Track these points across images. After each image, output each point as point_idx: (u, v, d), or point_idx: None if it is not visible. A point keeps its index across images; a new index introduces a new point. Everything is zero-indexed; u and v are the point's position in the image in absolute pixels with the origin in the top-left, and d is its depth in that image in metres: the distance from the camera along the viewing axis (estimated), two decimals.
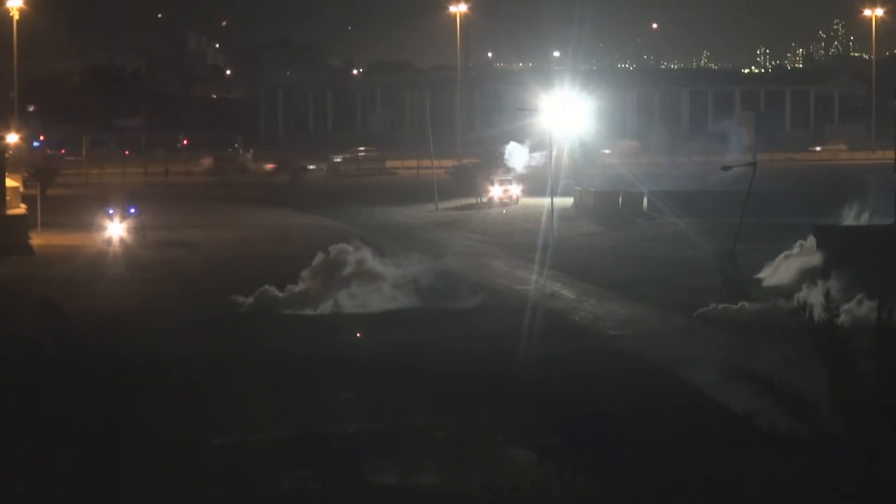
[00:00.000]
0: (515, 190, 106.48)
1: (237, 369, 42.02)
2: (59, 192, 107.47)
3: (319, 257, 58.18)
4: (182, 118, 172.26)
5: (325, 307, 55.05)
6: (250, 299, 55.65)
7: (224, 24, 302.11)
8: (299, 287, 56.58)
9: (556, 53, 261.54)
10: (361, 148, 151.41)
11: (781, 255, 63.77)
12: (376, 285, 56.82)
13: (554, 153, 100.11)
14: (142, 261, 71.36)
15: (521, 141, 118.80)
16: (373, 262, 58.40)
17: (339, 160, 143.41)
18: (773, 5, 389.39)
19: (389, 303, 55.56)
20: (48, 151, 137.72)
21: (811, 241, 62.85)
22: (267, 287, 56.23)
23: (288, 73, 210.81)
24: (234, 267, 68.77)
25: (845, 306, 43.93)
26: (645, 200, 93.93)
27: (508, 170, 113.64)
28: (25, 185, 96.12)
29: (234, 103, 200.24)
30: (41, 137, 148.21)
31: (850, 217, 72.94)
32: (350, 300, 55.72)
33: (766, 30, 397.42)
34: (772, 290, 57.49)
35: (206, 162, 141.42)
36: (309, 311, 54.59)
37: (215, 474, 30.26)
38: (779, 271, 62.55)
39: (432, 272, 59.41)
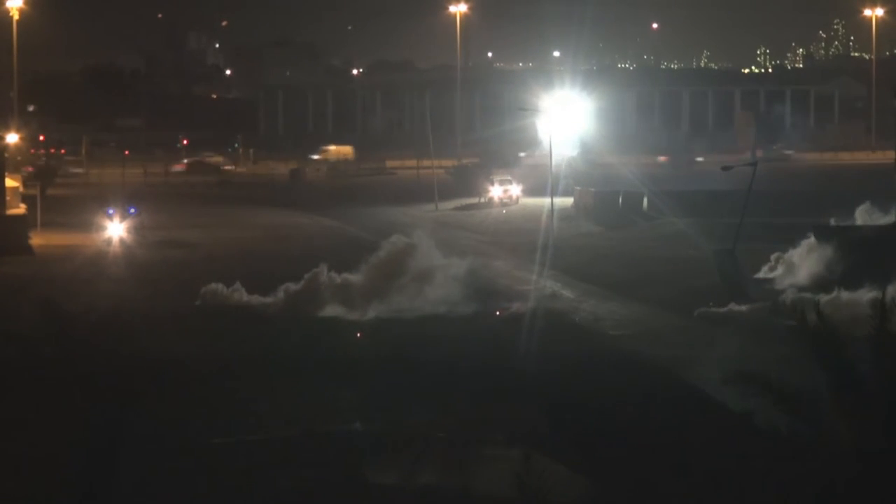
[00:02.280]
0: (515, 190, 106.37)
1: (238, 368, 42.01)
2: (59, 192, 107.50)
3: (386, 247, 55.80)
4: (182, 118, 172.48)
5: (370, 312, 52.20)
6: (299, 285, 53.98)
7: (224, 24, 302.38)
8: (342, 279, 54.09)
9: (556, 53, 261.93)
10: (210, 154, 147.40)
11: (781, 256, 63.74)
12: (427, 288, 54.07)
13: (554, 157, 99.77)
14: (142, 261, 71.33)
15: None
16: (438, 266, 55.43)
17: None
18: (773, 5, 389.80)
19: (436, 307, 53.12)
20: (42, 152, 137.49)
21: (811, 241, 62.81)
22: (321, 268, 54.00)
23: (288, 73, 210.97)
24: (235, 266, 68.63)
25: (845, 303, 43.93)
26: (645, 200, 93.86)
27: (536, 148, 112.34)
28: (25, 185, 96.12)
29: (234, 103, 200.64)
30: (41, 137, 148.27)
31: None
32: (393, 305, 53.02)
33: (766, 30, 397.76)
34: (773, 291, 57.49)
35: (179, 167, 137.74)
36: (355, 316, 51.96)
37: (216, 474, 30.26)
38: (779, 272, 62.53)
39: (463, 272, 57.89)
